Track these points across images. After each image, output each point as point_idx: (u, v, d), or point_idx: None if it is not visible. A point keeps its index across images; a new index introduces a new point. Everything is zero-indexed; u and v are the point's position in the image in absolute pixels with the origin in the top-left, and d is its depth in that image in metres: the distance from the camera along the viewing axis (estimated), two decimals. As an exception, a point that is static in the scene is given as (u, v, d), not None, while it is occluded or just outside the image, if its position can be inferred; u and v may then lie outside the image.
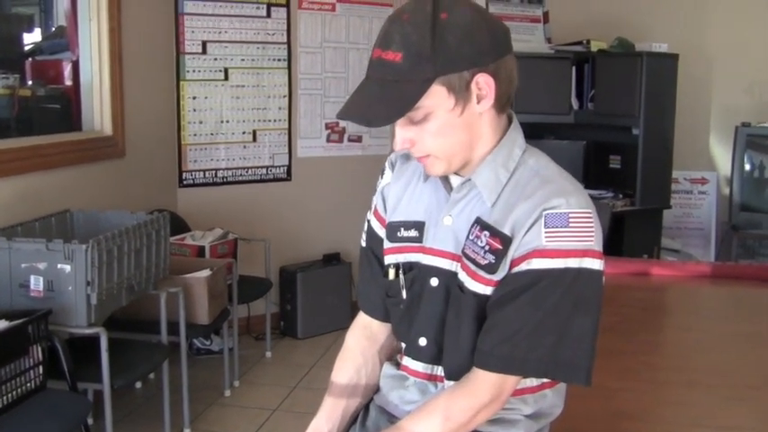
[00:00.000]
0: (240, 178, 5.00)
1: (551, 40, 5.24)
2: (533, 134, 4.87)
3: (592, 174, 5.05)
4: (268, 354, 4.70)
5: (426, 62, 1.36)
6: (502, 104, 1.46)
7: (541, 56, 4.94)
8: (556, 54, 4.99)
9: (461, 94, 1.39)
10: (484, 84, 1.40)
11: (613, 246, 4.43)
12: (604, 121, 4.93)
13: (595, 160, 5.10)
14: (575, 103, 4.99)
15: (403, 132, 1.44)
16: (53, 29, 4.67)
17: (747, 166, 5.01)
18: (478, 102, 1.42)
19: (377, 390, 1.70)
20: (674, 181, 5.19)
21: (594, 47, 4.91)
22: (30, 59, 4.39)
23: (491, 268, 1.43)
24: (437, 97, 1.38)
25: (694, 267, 3.36)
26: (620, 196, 4.84)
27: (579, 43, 4.97)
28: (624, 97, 4.74)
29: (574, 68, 4.95)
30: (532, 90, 4.67)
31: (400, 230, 1.59)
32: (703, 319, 2.89)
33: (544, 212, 1.40)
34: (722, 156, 5.42)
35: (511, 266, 1.43)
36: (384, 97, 1.38)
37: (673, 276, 3.23)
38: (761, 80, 5.30)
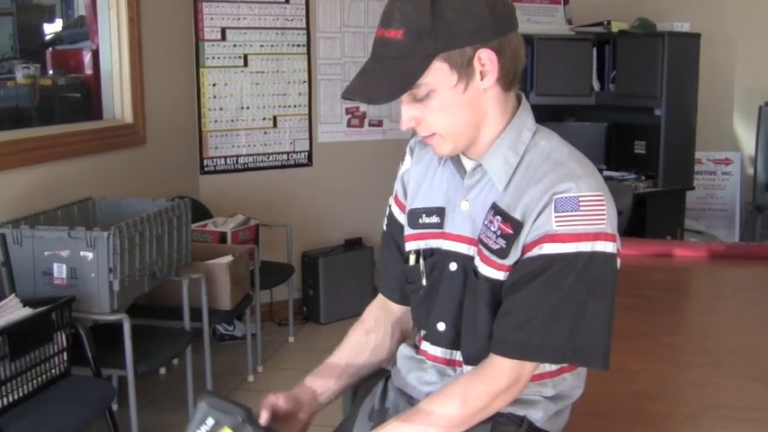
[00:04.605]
0: (261, 164, 5.00)
1: (572, 21, 5.20)
2: (554, 116, 4.94)
3: (614, 155, 5.02)
4: (291, 339, 4.72)
5: (427, 38, 1.35)
6: (507, 81, 1.44)
7: (562, 37, 4.89)
8: (576, 35, 4.95)
9: (464, 70, 1.38)
10: (486, 59, 1.39)
11: (636, 227, 4.41)
12: (626, 103, 4.89)
13: (617, 142, 5.06)
14: (596, 85, 4.96)
15: (408, 110, 1.44)
16: (73, 18, 4.69)
17: (772, 146, 4.96)
18: (482, 78, 1.40)
19: (393, 364, 1.70)
20: (698, 161, 5.15)
21: (615, 27, 4.87)
22: (50, 49, 4.43)
23: (502, 253, 1.43)
24: (439, 74, 1.38)
25: (717, 248, 3.34)
26: (643, 178, 4.80)
27: (600, 24, 4.93)
28: (646, 78, 4.70)
29: (595, 50, 4.91)
30: (553, 72, 4.64)
31: (422, 217, 1.59)
32: (726, 299, 2.87)
33: (554, 197, 1.38)
34: (746, 135, 5.37)
35: (523, 251, 1.42)
36: (386, 75, 1.38)
37: (695, 257, 3.21)
38: (785, 58, 5.25)
